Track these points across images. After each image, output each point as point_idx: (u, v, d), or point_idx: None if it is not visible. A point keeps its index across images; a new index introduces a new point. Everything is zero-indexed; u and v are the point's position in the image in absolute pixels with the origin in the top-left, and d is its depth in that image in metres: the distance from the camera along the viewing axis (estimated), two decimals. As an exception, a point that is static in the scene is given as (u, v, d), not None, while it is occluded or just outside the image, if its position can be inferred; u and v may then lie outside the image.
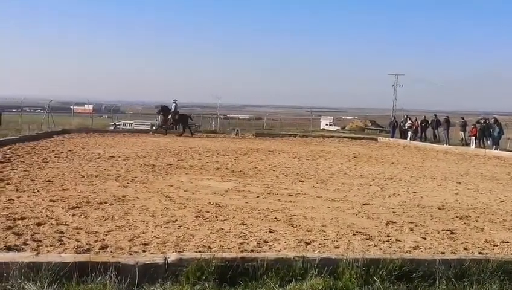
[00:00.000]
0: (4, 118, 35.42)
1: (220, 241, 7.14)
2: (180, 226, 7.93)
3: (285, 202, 10.47)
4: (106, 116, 69.06)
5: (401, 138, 36.19)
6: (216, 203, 9.91)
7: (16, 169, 13.65)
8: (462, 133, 33.99)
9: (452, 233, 8.16)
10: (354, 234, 7.82)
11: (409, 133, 35.55)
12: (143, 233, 7.43)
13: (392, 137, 37.19)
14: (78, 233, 7.29)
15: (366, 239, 7.56)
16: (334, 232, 7.88)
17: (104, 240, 6.96)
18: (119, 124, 43.55)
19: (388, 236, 7.80)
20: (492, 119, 31.50)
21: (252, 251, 6.64)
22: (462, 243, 7.56)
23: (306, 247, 6.99)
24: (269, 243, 7.14)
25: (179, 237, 7.28)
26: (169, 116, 33.43)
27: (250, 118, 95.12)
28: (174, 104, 34.24)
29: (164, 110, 33.91)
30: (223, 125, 44.90)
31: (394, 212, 9.77)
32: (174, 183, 12.37)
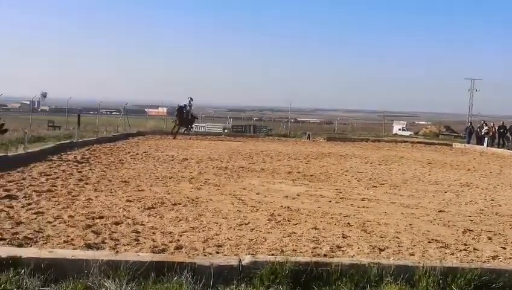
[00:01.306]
0: (82, 119, 36.62)
1: (292, 245, 7.14)
2: (252, 229, 7.99)
3: (358, 207, 10.36)
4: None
5: (477, 144, 35.13)
6: (288, 207, 9.91)
7: (94, 169, 14.12)
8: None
9: (533, 243, 7.86)
10: (429, 242, 7.65)
11: (486, 139, 34.46)
12: (216, 235, 7.53)
13: (468, 143, 36.16)
14: (153, 233, 7.46)
15: (442, 247, 7.38)
16: (409, 239, 7.74)
17: (178, 240, 7.10)
18: (192, 127, 44.32)
19: (465, 245, 7.59)
20: None
21: (325, 255, 6.61)
22: (544, 254, 7.27)
23: (380, 253, 6.90)
24: (342, 249, 7.09)
25: (252, 239, 7.34)
26: (184, 116, 30.99)
27: (321, 122, 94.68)
28: (190, 102, 31.70)
29: (180, 111, 31.14)
30: (293, 129, 44.91)
31: (471, 220, 9.49)
32: (246, 186, 12.46)
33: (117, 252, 5.99)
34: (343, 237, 7.71)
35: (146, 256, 5.59)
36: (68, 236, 6.99)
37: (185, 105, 31.51)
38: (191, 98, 31.90)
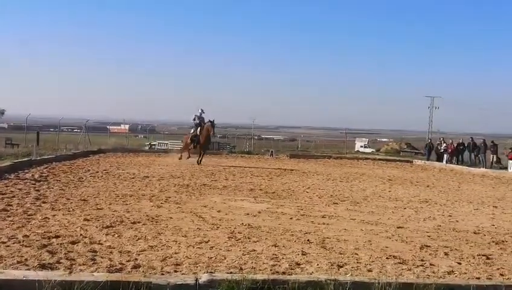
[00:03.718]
0: (42, 137, 36.10)
1: (252, 262, 7.13)
2: (212, 247, 7.95)
3: (319, 224, 10.41)
4: (142, 136, 69.93)
5: (437, 160, 35.73)
6: (249, 224, 9.90)
7: (52, 188, 13.89)
8: (493, 156, 33.45)
9: (488, 258, 8.00)
10: (387, 258, 7.72)
11: (445, 156, 35.08)
12: (175, 253, 7.47)
13: (428, 160, 36.74)
14: (111, 252, 7.36)
15: (400, 263, 7.45)
16: (367, 256, 7.80)
17: (136, 259, 7.02)
18: (155, 144, 44.04)
19: (422, 260, 7.68)
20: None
21: (283, 273, 6.61)
22: (498, 268, 7.39)
23: (338, 270, 6.93)
24: (301, 266, 7.10)
25: (211, 257, 7.30)
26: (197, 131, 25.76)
27: (285, 139, 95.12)
28: (201, 114, 26.32)
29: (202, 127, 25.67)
30: (257, 146, 45.00)
31: (429, 236, 9.61)
32: (208, 204, 12.42)
33: (71, 272, 5.88)
34: (302, 254, 7.73)
35: (101, 276, 5.51)
36: (22, 256, 6.84)
37: (202, 119, 25.99)
38: (203, 110, 26.37)
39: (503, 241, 9.48)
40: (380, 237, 9.34)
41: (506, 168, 30.55)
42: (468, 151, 35.38)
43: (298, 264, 7.17)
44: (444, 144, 36.44)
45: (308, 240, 8.75)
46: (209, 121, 25.46)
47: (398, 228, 10.33)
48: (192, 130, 26.57)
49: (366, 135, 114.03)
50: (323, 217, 11.28)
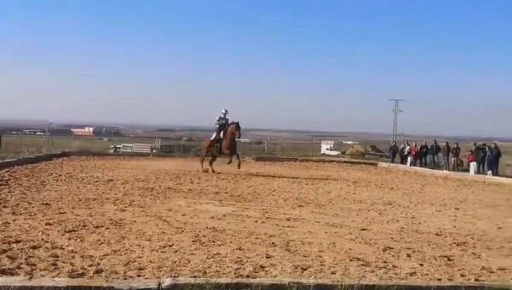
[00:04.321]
0: (3, 140, 35.41)
1: (216, 266, 7.11)
2: (176, 251, 7.91)
3: (283, 227, 10.44)
4: (106, 139, 69.15)
5: (401, 163, 36.15)
6: (213, 228, 9.88)
7: (13, 192, 13.64)
8: (455, 159, 34.04)
9: (449, 260, 8.13)
10: (351, 260, 7.79)
11: (409, 158, 35.53)
12: (139, 257, 7.40)
13: (392, 162, 37.15)
14: (73, 257, 7.26)
15: (363, 265, 7.52)
16: (331, 258, 7.85)
17: (99, 264, 6.94)
18: (119, 147, 43.64)
19: (385, 262, 7.77)
20: (493, 145, 31.53)
21: (247, 276, 6.61)
22: (459, 269, 7.53)
23: (302, 273, 6.95)
24: (265, 269, 7.11)
25: (175, 261, 7.26)
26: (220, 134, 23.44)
27: (251, 142, 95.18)
28: (225, 114, 23.92)
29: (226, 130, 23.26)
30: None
31: (392, 238, 9.73)
32: (172, 207, 12.35)
33: (31, 277, 5.77)
34: (267, 257, 7.74)
35: (62, 281, 5.43)
36: (-19, 262, 6.70)
37: (226, 120, 23.67)
38: (227, 110, 23.96)
39: (464, 242, 9.65)
40: (344, 240, 9.41)
41: (467, 170, 31.07)
42: (432, 153, 35.89)
43: (262, 267, 7.18)
44: (408, 147, 36.90)
45: (272, 243, 8.77)
46: (233, 122, 23.07)
47: (362, 230, 10.43)
48: (214, 134, 23.88)
49: (332, 138, 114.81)
50: (288, 219, 11.32)
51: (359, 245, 9.01)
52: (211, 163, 23.80)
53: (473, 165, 30.39)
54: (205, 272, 6.72)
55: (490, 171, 29.15)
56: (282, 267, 7.17)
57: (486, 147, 31.09)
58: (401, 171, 31.27)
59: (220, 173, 22.67)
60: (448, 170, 31.28)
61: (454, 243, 9.56)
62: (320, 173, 26.43)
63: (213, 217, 11.18)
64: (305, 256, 7.96)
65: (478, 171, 29.70)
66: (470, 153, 32.03)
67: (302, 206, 13.63)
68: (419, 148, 36.08)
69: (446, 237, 10.15)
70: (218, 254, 7.85)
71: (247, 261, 7.46)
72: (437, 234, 10.36)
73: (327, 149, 70.39)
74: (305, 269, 7.13)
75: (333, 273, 7.00)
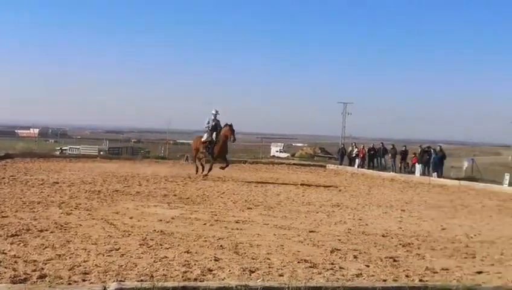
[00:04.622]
0: None
1: (163, 269, 7.04)
2: (123, 255, 7.79)
3: (232, 229, 10.43)
4: (52, 141, 67.72)
5: (349, 165, 36.63)
6: (161, 231, 9.79)
7: (-46, 195, 13.20)
8: (402, 161, 34.74)
9: (395, 260, 8.27)
10: (298, 262, 7.83)
11: (357, 160, 36.04)
12: (84, 262, 7.26)
13: (341, 164, 37.60)
14: (15, 262, 7.07)
15: (311, 267, 7.57)
16: (279, 260, 7.88)
17: (42, 269, 6.77)
18: (66, 149, 42.77)
19: (332, 264, 7.85)
20: (438, 147, 32.29)
21: (195, 279, 6.58)
22: (404, 270, 7.66)
23: (250, 275, 6.95)
24: (213, 272, 7.08)
25: (121, 265, 7.15)
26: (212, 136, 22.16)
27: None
28: (216, 116, 22.54)
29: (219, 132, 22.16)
30: (172, 151, 44.57)
31: (339, 240, 9.84)
32: (120, 210, 12.17)
33: (-30, 284, 5.59)
34: (215, 260, 7.71)
35: (3, 287, 5.29)
36: None
37: (217, 122, 22.37)
38: (217, 111, 22.64)
39: (409, 243, 9.84)
40: (292, 242, 9.46)
41: (413, 172, 31.72)
42: (379, 156, 36.50)
43: (210, 270, 7.14)
44: (356, 149, 37.42)
45: (221, 246, 8.75)
46: (227, 124, 21.90)
47: (310, 232, 10.51)
48: (205, 135, 22.44)
49: (282, 140, 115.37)
50: (237, 222, 11.32)
51: (307, 247, 9.08)
52: (199, 162, 23.10)
53: (419, 168, 31.07)
54: (152, 276, 6.64)
55: (435, 173, 29.86)
56: (230, 270, 7.15)
57: (432, 150, 31.84)
58: (349, 173, 31.70)
59: (206, 175, 21.91)
60: (395, 172, 31.87)
61: (400, 244, 9.74)
62: (270, 175, 26.54)
63: (161, 220, 11.07)
64: (253, 258, 7.96)
65: (423, 173, 30.38)
66: (413, 155, 32.74)
67: (251, 208, 13.65)
68: (366, 150, 36.65)
69: (392, 238, 10.33)
70: (166, 257, 7.77)
71: (195, 264, 7.42)
72: (383, 236, 10.53)
73: (277, 151, 70.66)
74: (253, 272, 7.14)
75: (281, 275, 7.02)
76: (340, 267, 7.64)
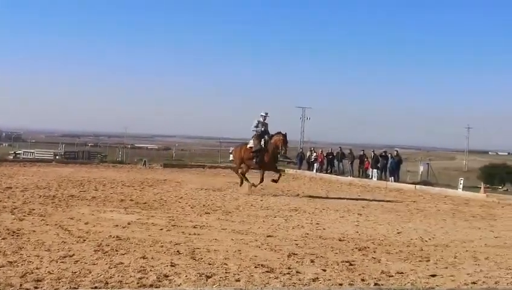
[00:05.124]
0: None
1: (118, 276, 6.92)
2: (77, 261, 7.64)
3: (189, 234, 10.35)
4: (6, 145, 66.23)
5: (308, 169, 36.88)
6: (117, 236, 9.65)
7: None
8: (360, 165, 35.23)
9: (351, 264, 8.32)
10: (255, 267, 7.80)
11: (315, 165, 36.31)
12: (36, 269, 7.09)
13: (299, 169, 37.84)
14: (-36, 270, 6.86)
15: (268, 272, 7.55)
16: (236, 265, 7.84)
17: (-8, 277, 6.58)
18: (20, 153, 41.83)
19: (289, 268, 7.84)
20: (395, 152, 32.78)
21: (150, 285, 6.50)
22: (360, 274, 7.71)
23: (207, 281, 6.90)
24: (169, 277, 7.00)
25: (75, 272, 7.00)
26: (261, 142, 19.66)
27: (159, 148, 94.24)
28: (265, 118, 20.18)
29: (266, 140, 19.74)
30: (130, 155, 44.15)
31: (297, 244, 9.86)
32: (75, 216, 11.97)
33: None
34: (171, 266, 7.63)
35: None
36: None
37: (266, 126, 20.05)
38: (267, 114, 20.24)
39: (365, 247, 9.92)
40: (250, 247, 9.44)
41: (369, 176, 32.13)
42: (337, 160, 36.86)
43: (166, 276, 7.06)
44: (314, 154, 37.72)
45: (177, 251, 8.67)
46: (280, 132, 19.55)
47: (267, 236, 10.51)
48: (251, 142, 19.94)
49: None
50: (194, 227, 11.24)
51: (264, 252, 9.06)
52: (243, 175, 20.60)
53: (375, 172, 31.49)
54: (107, 283, 6.53)
55: (392, 177, 30.31)
56: (186, 276, 7.08)
57: (389, 154, 32.32)
58: (307, 177, 31.93)
59: (255, 185, 19.86)
60: (353, 177, 32.23)
61: (356, 248, 9.81)
62: (229, 179, 26.45)
63: (117, 226, 10.93)
64: (210, 264, 7.91)
65: (380, 178, 30.81)
66: (366, 160, 33.20)
67: (209, 213, 13.59)
68: (325, 155, 36.98)
69: (349, 242, 10.41)
70: (121, 263, 7.66)
71: (151, 270, 7.32)
72: (340, 240, 10.60)
73: (236, 156, 70.53)
74: (210, 277, 7.08)
75: (237, 280, 6.99)
76: (297, 272, 7.65)
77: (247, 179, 20.29)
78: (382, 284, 7.01)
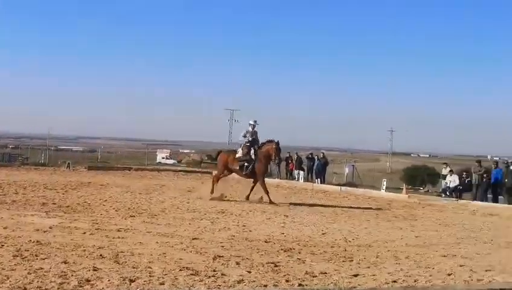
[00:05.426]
0: None
1: (38, 281, 6.70)
2: (-7, 267, 7.35)
3: (113, 238, 10.15)
4: None
5: (236, 171, 36.93)
6: (38, 241, 9.34)
7: None
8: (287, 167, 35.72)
9: (276, 266, 8.38)
10: (180, 270, 7.74)
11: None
12: (-50, 276, 6.78)
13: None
14: None
15: (192, 274, 7.50)
16: (161, 269, 7.75)
17: None
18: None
19: (214, 271, 7.82)
20: (321, 154, 33.37)
21: (71, 291, 6.33)
22: (285, 275, 7.78)
23: (130, 284, 6.79)
24: (91, 282, 6.83)
25: (-9, 279, 6.74)
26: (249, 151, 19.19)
27: (84, 150, 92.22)
28: (254, 127, 19.75)
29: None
30: (53, 157, 42.95)
31: (222, 247, 9.85)
32: (-7, 220, 11.51)
33: None
34: (94, 270, 7.45)
35: None
36: None
37: (255, 135, 19.55)
38: (256, 122, 19.79)
39: (290, 248, 10.02)
40: (175, 249, 9.36)
41: (294, 178, 32.57)
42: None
43: (88, 280, 6.89)
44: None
45: (101, 255, 8.48)
46: (272, 140, 18.98)
47: (193, 239, 10.45)
48: (240, 151, 19.54)
49: (169, 146, 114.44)
50: (118, 230, 11.04)
51: (190, 254, 9.01)
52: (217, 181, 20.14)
53: (301, 174, 31.96)
54: (25, 289, 6.33)
55: (318, 179, 30.84)
56: (109, 280, 6.94)
57: (315, 156, 32.87)
58: (235, 179, 31.96)
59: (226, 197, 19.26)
60: (280, 178, 32.55)
61: (282, 249, 9.90)
62: (155, 182, 26.24)
63: (38, 230, 10.58)
64: (134, 267, 7.78)
65: (307, 179, 31.28)
66: (290, 162, 33.67)
67: (134, 216, 13.39)
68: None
69: (274, 243, 10.49)
70: (41, 268, 7.42)
71: (72, 275, 7.13)
72: (266, 241, 10.67)
73: (163, 158, 70.01)
74: (133, 281, 6.97)
75: (162, 284, 6.92)
76: (222, 274, 7.64)
77: (213, 186, 19.81)
78: (306, 285, 7.11)
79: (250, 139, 19.28)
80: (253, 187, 19.20)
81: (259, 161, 18.82)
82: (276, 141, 18.77)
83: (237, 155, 19.46)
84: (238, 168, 19.43)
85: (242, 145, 19.48)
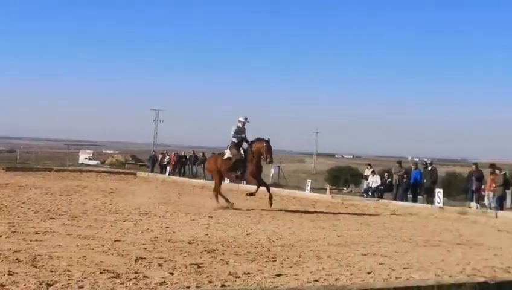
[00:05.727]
0: None
1: None
2: None
3: (31, 241, 9.80)
4: None
5: (161, 172, 36.63)
6: None
7: None
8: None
9: (199, 267, 8.33)
10: (101, 273, 7.56)
11: (168, 168, 36.17)
12: None
13: (152, 172, 37.49)
14: None
15: (113, 277, 7.35)
16: (80, 272, 7.54)
17: None
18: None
19: (136, 273, 7.68)
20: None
21: (-16, 297, 6.06)
22: (208, 276, 7.73)
23: (48, 289, 6.58)
24: (6, 287, 6.57)
25: None
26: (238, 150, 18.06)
27: (2, 151, 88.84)
28: (244, 125, 18.53)
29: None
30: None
31: (145, 248, 9.70)
32: None
33: None
34: (9, 275, 7.16)
35: None
36: None
37: (244, 132, 18.42)
38: (246, 119, 18.46)
39: (214, 249, 9.99)
40: (96, 252, 9.14)
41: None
42: (190, 163, 37.02)
43: (3, 285, 6.62)
44: (168, 157, 37.58)
45: (17, 259, 8.17)
46: (262, 139, 17.76)
47: (115, 241, 10.23)
48: (227, 152, 18.34)
49: (92, 147, 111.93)
50: (37, 233, 10.67)
51: (111, 257, 8.82)
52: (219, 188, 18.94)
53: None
54: None
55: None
56: (25, 285, 6.69)
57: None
58: (160, 180, 31.68)
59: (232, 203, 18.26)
60: (205, 180, 32.46)
61: (205, 250, 9.84)
62: (77, 183, 25.61)
63: None
64: (52, 271, 7.54)
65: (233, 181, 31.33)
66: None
67: (53, 218, 12.99)
68: (177, 158, 36.99)
69: (198, 245, 10.42)
70: None
71: (-15, 280, 6.83)
72: (189, 243, 10.58)
73: (86, 159, 68.35)
74: (51, 285, 6.75)
75: (81, 287, 6.73)
76: (144, 276, 7.52)
77: (222, 195, 18.80)
78: (228, 285, 7.09)
79: (239, 137, 18.16)
80: (258, 187, 18.36)
81: (250, 161, 17.79)
82: (266, 139, 17.73)
83: (226, 157, 18.39)
84: (228, 170, 18.52)
85: (229, 145, 18.34)
